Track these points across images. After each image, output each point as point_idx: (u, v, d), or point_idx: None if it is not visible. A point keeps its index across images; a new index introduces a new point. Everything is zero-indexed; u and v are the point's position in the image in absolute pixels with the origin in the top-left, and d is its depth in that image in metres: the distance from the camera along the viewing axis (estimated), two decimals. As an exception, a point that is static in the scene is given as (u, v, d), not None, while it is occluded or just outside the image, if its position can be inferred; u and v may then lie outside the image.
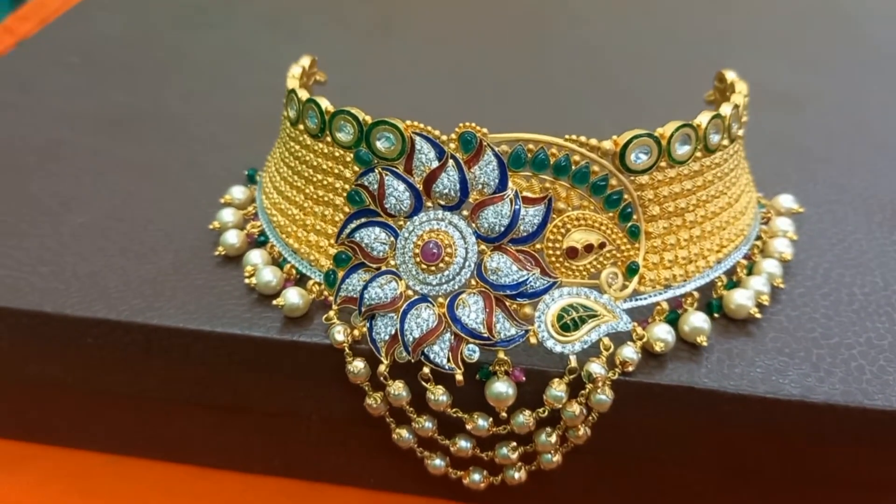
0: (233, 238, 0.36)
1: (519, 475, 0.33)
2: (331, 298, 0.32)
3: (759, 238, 0.37)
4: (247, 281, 0.34)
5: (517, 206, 0.30)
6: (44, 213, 0.40)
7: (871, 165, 0.44)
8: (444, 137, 0.30)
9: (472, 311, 0.30)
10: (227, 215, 0.38)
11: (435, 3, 0.70)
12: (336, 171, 0.33)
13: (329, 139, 0.33)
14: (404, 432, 0.33)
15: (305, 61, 0.40)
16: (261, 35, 0.63)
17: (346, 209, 0.33)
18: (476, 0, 0.71)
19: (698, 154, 0.32)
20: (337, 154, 0.33)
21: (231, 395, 0.35)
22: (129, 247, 0.38)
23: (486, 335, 0.30)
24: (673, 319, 0.32)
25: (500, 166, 0.30)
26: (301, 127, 0.34)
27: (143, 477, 0.39)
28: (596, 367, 0.30)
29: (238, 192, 0.39)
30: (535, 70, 0.58)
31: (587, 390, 0.30)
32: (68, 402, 0.39)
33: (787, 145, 0.46)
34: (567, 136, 0.30)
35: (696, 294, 0.33)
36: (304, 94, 0.34)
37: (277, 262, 0.35)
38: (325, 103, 0.33)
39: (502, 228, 0.30)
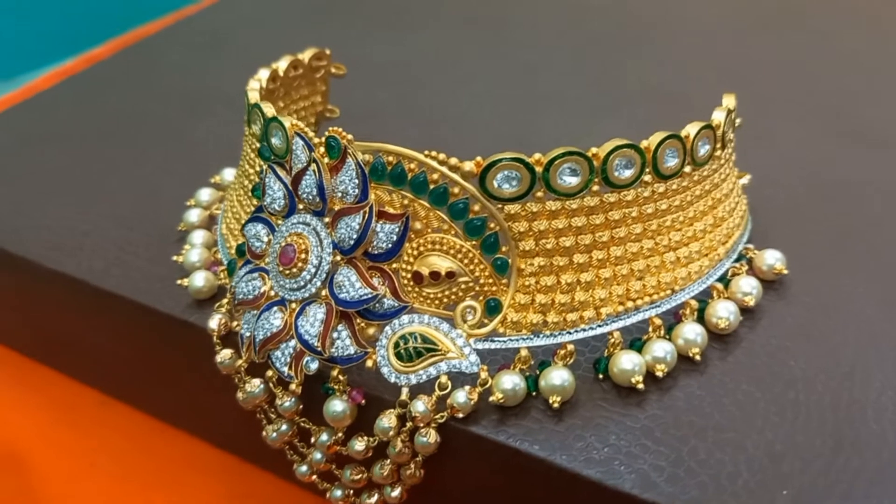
0: (193, 216, 0.38)
1: (372, 501, 0.31)
2: (228, 285, 0.33)
3: (709, 295, 0.31)
4: (174, 257, 0.36)
5: (369, 220, 0.28)
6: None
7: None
8: (317, 140, 0.29)
9: (311, 322, 0.29)
10: (204, 194, 0.40)
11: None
12: (253, 162, 0.33)
13: (251, 130, 0.33)
14: (272, 431, 0.33)
15: (283, 63, 0.40)
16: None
17: (255, 201, 0.33)
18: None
19: (595, 188, 0.28)
20: (254, 146, 0.33)
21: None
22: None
23: (319, 349, 0.29)
24: (543, 367, 0.29)
25: (360, 175, 0.28)
26: (245, 115, 0.35)
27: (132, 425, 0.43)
28: (420, 406, 0.28)
29: (229, 175, 0.41)
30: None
31: (407, 427, 0.28)
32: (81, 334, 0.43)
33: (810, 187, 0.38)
34: (427, 153, 0.28)
35: (571, 347, 0.28)
36: (252, 86, 0.35)
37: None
38: (252, 95, 0.34)
39: (352, 241, 0.28)
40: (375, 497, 0.31)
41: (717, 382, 0.28)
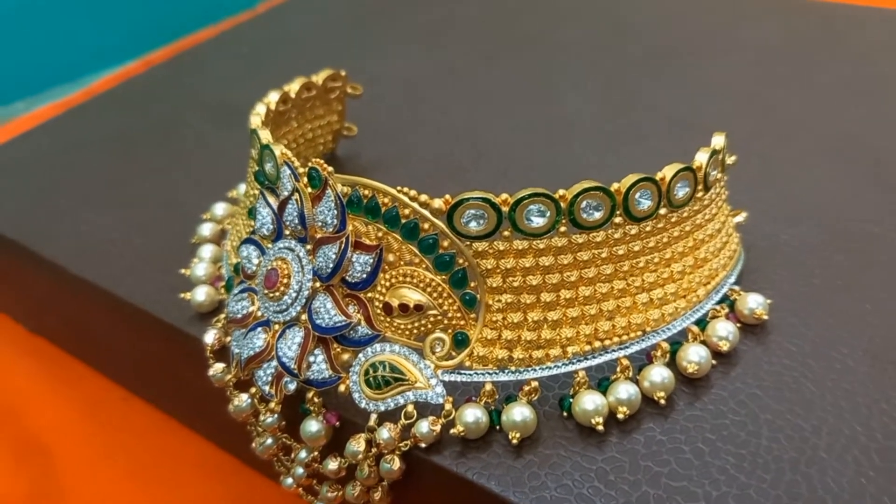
0: (206, 230, 0.40)
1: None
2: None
3: (684, 336, 0.30)
4: (182, 270, 0.38)
5: (345, 250, 0.29)
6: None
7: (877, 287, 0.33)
8: (302, 170, 0.31)
9: (289, 345, 0.30)
10: (219, 209, 0.42)
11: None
12: (254, 185, 0.35)
13: (252, 154, 0.35)
14: (259, 444, 0.34)
15: (295, 85, 0.41)
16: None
17: (253, 222, 0.34)
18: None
19: (562, 229, 0.28)
20: (254, 170, 0.35)
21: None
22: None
23: (295, 371, 0.30)
24: (509, 401, 0.29)
25: (338, 206, 0.29)
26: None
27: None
28: (384, 434, 0.29)
29: (219, 209, 0.43)
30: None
31: (372, 453, 0.29)
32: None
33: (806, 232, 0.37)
34: (399, 188, 0.28)
35: (535, 384, 0.29)
36: (258, 110, 0.37)
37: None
38: (253, 121, 0.35)
39: (329, 269, 0.29)
40: (350, 512, 0.32)
41: (679, 428, 0.28)
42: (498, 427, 0.29)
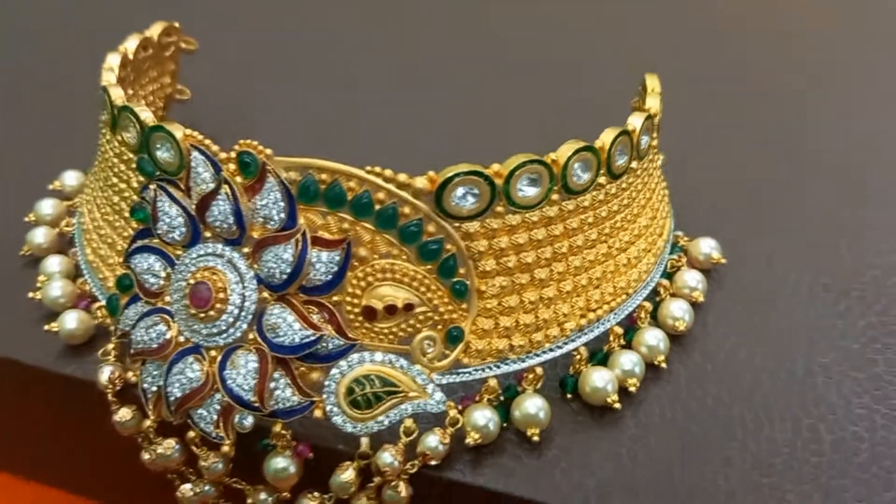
0: (40, 237, 0.32)
1: (319, 555, 0.28)
2: (111, 328, 0.27)
3: (656, 294, 0.29)
4: (31, 294, 0.30)
5: (304, 250, 0.24)
6: None
7: (833, 212, 0.35)
8: (224, 155, 0.24)
9: (241, 372, 0.24)
10: (47, 206, 0.33)
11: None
12: (125, 176, 0.28)
13: (120, 137, 0.27)
14: (189, 492, 0.28)
15: (132, 43, 0.34)
16: None
17: (134, 223, 0.27)
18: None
19: (554, 196, 0.25)
20: (126, 157, 0.27)
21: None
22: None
23: (255, 404, 0.24)
24: (511, 397, 0.26)
25: (286, 198, 0.24)
26: (104, 116, 0.29)
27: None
28: (387, 458, 0.24)
29: (70, 178, 0.34)
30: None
31: (376, 482, 0.25)
32: None
33: (733, 171, 0.38)
34: (369, 168, 0.24)
35: (539, 371, 0.26)
36: (106, 78, 0.29)
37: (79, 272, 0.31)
38: (116, 93, 0.28)
39: (284, 276, 0.24)
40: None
41: (685, 391, 0.27)
42: (504, 424, 0.26)
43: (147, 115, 0.26)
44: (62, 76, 0.44)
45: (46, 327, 0.28)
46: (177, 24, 0.36)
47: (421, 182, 0.24)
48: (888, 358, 0.28)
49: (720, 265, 0.31)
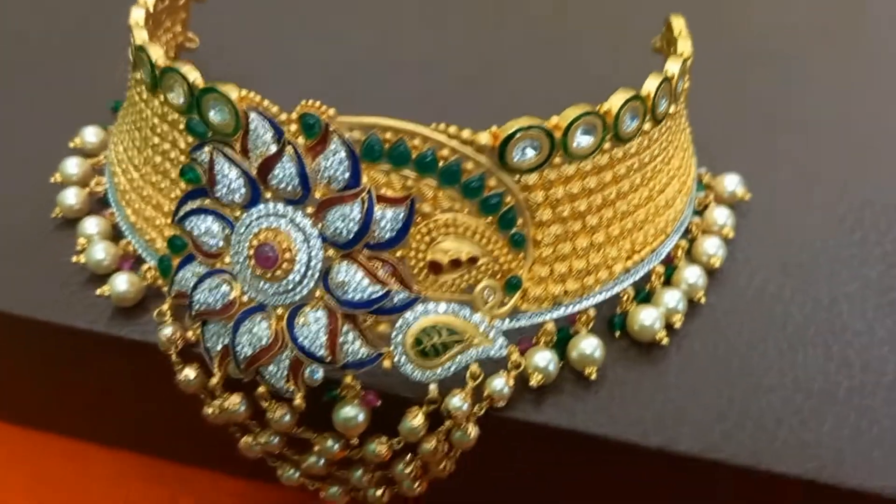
0: (71, 198, 0.31)
1: (380, 494, 0.29)
2: (164, 288, 0.28)
3: (688, 232, 0.31)
4: (75, 258, 0.29)
5: (370, 209, 0.24)
6: None
7: (847, 147, 0.36)
8: (284, 116, 0.24)
9: (312, 329, 0.25)
10: (72, 166, 0.32)
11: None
12: (171, 137, 0.27)
13: (162, 98, 0.27)
14: (251, 441, 0.29)
15: None
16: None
17: (184, 184, 0.27)
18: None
19: (606, 146, 0.26)
20: (171, 118, 0.27)
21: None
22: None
23: (328, 359, 0.25)
24: (565, 339, 0.28)
25: (350, 158, 0.24)
26: (138, 75, 0.28)
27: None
28: (457, 402, 0.25)
29: (90, 135, 0.34)
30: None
31: (446, 426, 0.26)
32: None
33: (749, 106, 0.39)
34: (434, 126, 0.24)
35: (592, 312, 0.27)
36: (139, 36, 0.28)
37: (118, 232, 0.30)
38: (156, 54, 0.27)
39: (351, 234, 0.24)
40: (382, 490, 0.29)
41: (724, 326, 0.29)
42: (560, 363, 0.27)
43: (196, 76, 0.26)
44: (60, 25, 0.42)
45: (98, 291, 0.28)
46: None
47: (484, 138, 0.24)
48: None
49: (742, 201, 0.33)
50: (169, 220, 0.28)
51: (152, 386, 0.29)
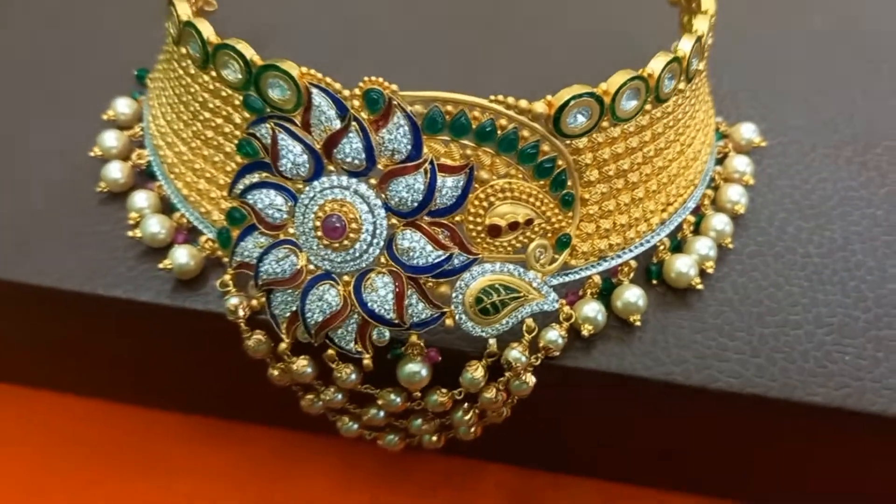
0: (116, 172, 0.32)
1: (435, 439, 0.31)
2: (225, 259, 0.29)
3: (712, 181, 0.33)
4: (130, 233, 0.30)
5: (433, 179, 0.26)
6: None
7: (846, 89, 0.38)
8: (347, 92, 0.25)
9: (380, 294, 0.27)
10: (111, 139, 0.33)
11: None
12: (224, 112, 0.28)
13: (214, 74, 0.27)
14: (313, 398, 0.31)
15: None
16: None
17: (239, 158, 0.28)
18: None
19: (647, 107, 0.27)
20: (224, 93, 0.28)
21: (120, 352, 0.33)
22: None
23: (396, 321, 0.27)
24: (608, 289, 0.30)
25: (412, 131, 0.25)
26: (184, 51, 0.29)
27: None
28: (516, 354, 0.27)
29: (123, 106, 0.34)
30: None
31: (506, 377, 0.28)
32: None
33: (754, 58, 0.40)
34: (493, 97, 0.25)
35: (633, 263, 0.29)
36: (183, 11, 0.28)
37: (166, 204, 0.31)
38: (207, 31, 0.27)
39: (415, 203, 0.26)
40: (438, 436, 0.31)
41: (750, 268, 0.31)
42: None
43: (251, 53, 0.26)
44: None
45: (161, 265, 0.29)
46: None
47: (540, 107, 0.25)
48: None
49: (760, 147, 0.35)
50: (225, 193, 0.29)
51: (213, 353, 0.31)
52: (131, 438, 0.36)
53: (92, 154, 0.32)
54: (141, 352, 0.33)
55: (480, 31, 0.42)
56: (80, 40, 0.39)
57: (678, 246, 0.31)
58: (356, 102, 0.25)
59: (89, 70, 0.37)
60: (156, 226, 0.30)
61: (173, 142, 0.30)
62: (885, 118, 0.37)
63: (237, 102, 0.27)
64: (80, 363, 0.34)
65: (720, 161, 0.34)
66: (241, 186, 0.27)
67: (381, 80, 0.25)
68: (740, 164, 0.33)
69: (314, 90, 0.25)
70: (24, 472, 0.35)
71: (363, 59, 0.40)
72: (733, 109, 0.36)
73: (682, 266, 0.30)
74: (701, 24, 0.29)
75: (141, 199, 0.31)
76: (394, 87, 0.25)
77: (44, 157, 0.33)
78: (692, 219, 0.31)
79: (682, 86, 0.28)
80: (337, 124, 0.26)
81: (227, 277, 0.29)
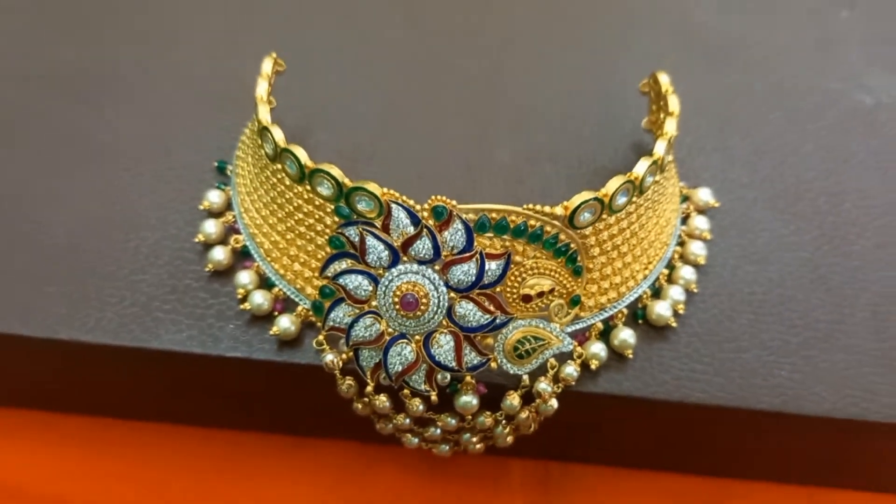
0: (220, 255, 0.40)
1: (479, 447, 0.41)
2: (318, 324, 0.38)
3: (679, 237, 0.43)
4: (242, 306, 0.39)
5: (482, 265, 0.35)
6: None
7: (781, 142, 0.48)
8: (419, 207, 0.34)
9: (444, 349, 0.36)
10: (210, 226, 0.41)
11: None
12: (317, 215, 0.37)
13: (308, 187, 0.36)
14: (387, 425, 0.40)
15: (267, 66, 0.41)
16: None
17: (328, 249, 0.37)
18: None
19: (634, 199, 0.37)
20: (317, 202, 0.36)
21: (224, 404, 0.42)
22: (113, 262, 0.41)
23: (456, 368, 0.36)
24: (607, 331, 0.39)
25: (467, 232, 0.34)
26: (279, 166, 0.37)
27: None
28: (543, 386, 0.37)
29: (214, 197, 0.42)
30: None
31: (536, 403, 0.38)
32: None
33: (707, 123, 0.49)
34: (526, 206, 0.34)
35: (625, 311, 0.39)
36: (279, 137, 0.37)
37: (263, 280, 0.40)
38: (303, 157, 0.36)
39: (469, 283, 0.35)
40: (480, 445, 0.41)
41: (711, 307, 0.41)
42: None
43: (339, 174, 0.35)
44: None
45: (272, 332, 0.38)
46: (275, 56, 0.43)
47: (559, 210, 0.35)
48: (836, 262, 0.43)
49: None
50: (316, 274, 0.38)
51: (308, 396, 0.40)
52: (235, 450, 0.45)
53: (196, 241, 0.41)
54: (249, 392, 0.42)
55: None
56: (161, 122, 0.47)
57: (657, 293, 0.41)
58: (425, 213, 0.34)
59: (171, 160, 0.45)
60: (260, 298, 0.39)
61: (269, 232, 0.39)
62: (809, 171, 0.47)
63: (329, 209, 0.36)
64: (201, 405, 0.43)
65: (684, 220, 0.44)
66: (331, 272, 0.36)
67: (444, 197, 0.34)
68: (700, 223, 0.43)
69: (394, 206, 0.34)
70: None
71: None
72: (692, 173, 0.46)
73: (661, 309, 0.39)
74: (670, 126, 0.39)
75: (244, 277, 0.39)
76: (453, 202, 0.34)
77: (157, 245, 0.42)
78: (666, 271, 0.41)
79: (658, 177, 0.38)
80: (411, 230, 0.35)
81: (320, 338, 0.38)
